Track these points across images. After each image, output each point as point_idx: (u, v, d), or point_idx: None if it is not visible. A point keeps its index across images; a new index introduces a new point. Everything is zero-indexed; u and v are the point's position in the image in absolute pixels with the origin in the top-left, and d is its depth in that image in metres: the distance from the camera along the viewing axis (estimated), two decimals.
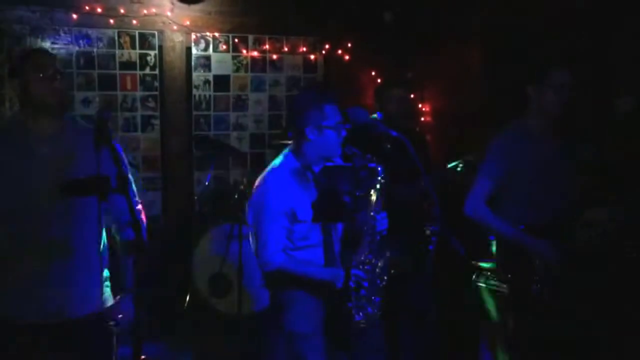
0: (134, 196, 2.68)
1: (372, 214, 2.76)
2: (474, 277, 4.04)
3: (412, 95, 5.49)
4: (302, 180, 2.82)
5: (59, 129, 2.55)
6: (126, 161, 2.67)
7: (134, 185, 2.67)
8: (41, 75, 2.49)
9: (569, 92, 3.20)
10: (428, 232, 2.67)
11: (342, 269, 2.81)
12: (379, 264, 2.85)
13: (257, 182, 2.86)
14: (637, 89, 3.94)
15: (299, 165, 2.83)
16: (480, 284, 4.00)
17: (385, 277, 2.86)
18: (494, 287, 3.89)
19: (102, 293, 2.58)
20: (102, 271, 2.61)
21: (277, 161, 2.87)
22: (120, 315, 2.58)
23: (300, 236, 2.83)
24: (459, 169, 4.04)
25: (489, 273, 3.92)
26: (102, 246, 2.63)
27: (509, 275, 3.32)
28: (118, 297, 2.66)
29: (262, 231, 2.79)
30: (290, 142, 2.88)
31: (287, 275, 2.81)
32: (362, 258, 2.83)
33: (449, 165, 4.13)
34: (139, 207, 2.72)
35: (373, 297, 2.81)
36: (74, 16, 5.11)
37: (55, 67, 2.56)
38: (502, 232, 3.24)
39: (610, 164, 3.75)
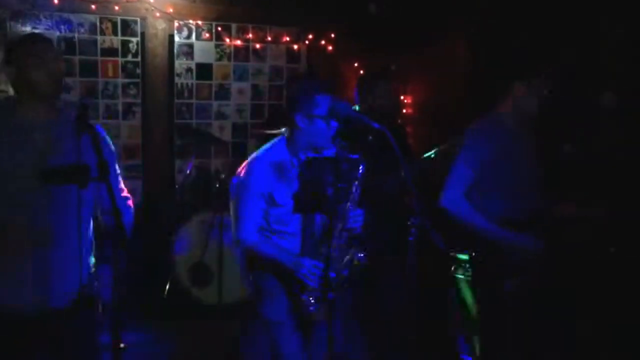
0: (119, 183, 2.69)
1: (347, 209, 2.80)
2: (452, 268, 4.07)
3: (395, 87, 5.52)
4: (285, 167, 2.87)
5: (54, 115, 2.52)
6: (112, 147, 2.67)
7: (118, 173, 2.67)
8: (39, 61, 2.46)
9: (549, 94, 3.23)
10: (408, 224, 2.67)
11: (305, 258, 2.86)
12: (344, 260, 2.89)
13: (242, 165, 2.93)
14: (620, 86, 3.98)
15: (286, 152, 2.89)
16: (458, 276, 4.03)
17: (345, 274, 2.89)
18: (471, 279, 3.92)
19: (87, 281, 2.53)
20: (87, 259, 2.57)
21: (267, 146, 2.94)
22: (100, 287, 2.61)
23: (276, 219, 2.90)
24: (432, 156, 4.05)
25: (467, 265, 3.95)
26: (88, 234, 2.61)
27: (482, 270, 3.31)
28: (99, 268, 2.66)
29: (239, 210, 2.89)
30: (271, 131, 2.91)
31: (258, 257, 2.92)
32: (328, 251, 2.84)
33: (424, 156, 4.14)
34: (125, 194, 2.73)
35: (327, 289, 2.80)
36: (55, 1, 5.04)
37: (54, 53, 2.53)
38: (481, 226, 3.16)
39: (591, 161, 3.79)
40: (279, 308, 2.97)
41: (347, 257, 2.91)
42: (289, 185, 2.86)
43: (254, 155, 2.95)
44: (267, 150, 2.93)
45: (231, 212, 2.96)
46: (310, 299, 2.87)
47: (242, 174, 2.90)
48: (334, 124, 2.79)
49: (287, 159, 2.89)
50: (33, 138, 2.46)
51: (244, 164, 2.94)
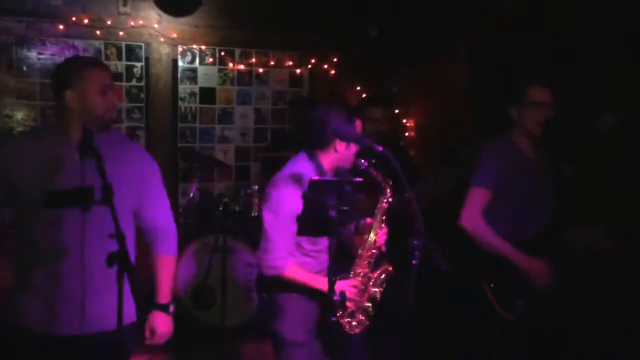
0: (163, 201, 2.73)
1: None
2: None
3: (396, 111, 5.55)
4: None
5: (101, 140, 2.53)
6: (154, 165, 2.70)
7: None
8: (102, 91, 2.46)
9: (547, 110, 3.25)
10: (412, 246, 2.68)
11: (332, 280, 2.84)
12: (374, 277, 2.96)
13: (270, 184, 2.88)
14: (620, 107, 4.00)
15: (312, 171, 2.87)
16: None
17: (380, 290, 2.97)
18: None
19: (119, 310, 2.27)
20: (119, 286, 2.29)
21: (292, 165, 2.91)
22: (152, 333, 2.63)
23: (310, 240, 2.87)
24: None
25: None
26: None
27: (495, 290, 3.31)
28: (152, 313, 2.67)
29: (271, 234, 2.80)
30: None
31: (287, 282, 2.85)
32: (359, 271, 2.93)
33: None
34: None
35: (363, 308, 2.90)
36: (61, 27, 5.10)
37: (112, 81, 2.54)
38: (498, 247, 3.21)
39: (591, 182, 3.80)
40: (306, 329, 2.90)
41: (381, 274, 2.99)
42: None
43: (281, 175, 2.89)
44: (295, 168, 2.88)
45: (263, 232, 2.86)
46: (352, 321, 2.89)
47: (274, 195, 2.83)
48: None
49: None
50: (72, 159, 2.42)
51: (273, 180, 2.88)
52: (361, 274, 2.94)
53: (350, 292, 2.86)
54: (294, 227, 2.78)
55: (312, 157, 2.90)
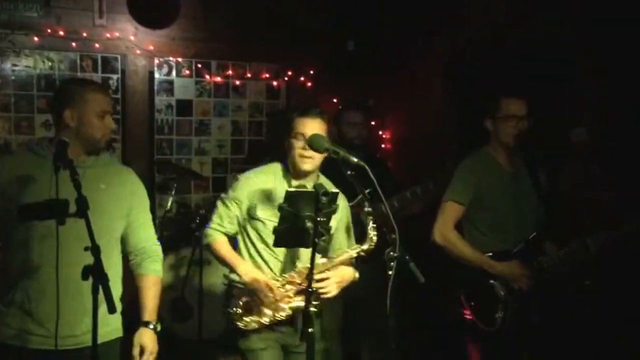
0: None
1: None
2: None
3: (372, 123, 5.58)
4: (280, 184, 2.94)
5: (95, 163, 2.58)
6: (143, 190, 2.80)
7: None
8: (102, 116, 2.50)
9: (520, 122, 3.29)
10: (388, 257, 2.68)
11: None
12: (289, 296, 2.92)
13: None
14: (594, 120, 4.07)
15: (282, 174, 2.99)
16: None
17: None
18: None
19: (94, 324, 2.21)
20: (94, 300, 2.18)
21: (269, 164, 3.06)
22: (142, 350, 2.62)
23: (257, 235, 2.95)
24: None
25: None
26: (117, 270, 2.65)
27: (472, 304, 3.33)
28: (139, 330, 2.66)
29: (217, 205, 3.03)
30: (250, 165, 3.01)
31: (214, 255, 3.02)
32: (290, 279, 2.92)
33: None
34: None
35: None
36: (36, 39, 5.07)
37: (112, 108, 2.57)
38: (471, 259, 3.24)
39: (563, 195, 3.86)
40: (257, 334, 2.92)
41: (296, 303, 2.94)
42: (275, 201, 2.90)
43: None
44: (268, 166, 3.07)
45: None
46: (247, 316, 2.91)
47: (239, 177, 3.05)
48: None
49: (283, 178, 3.00)
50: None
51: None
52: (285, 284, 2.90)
53: (262, 287, 2.84)
54: (235, 209, 2.97)
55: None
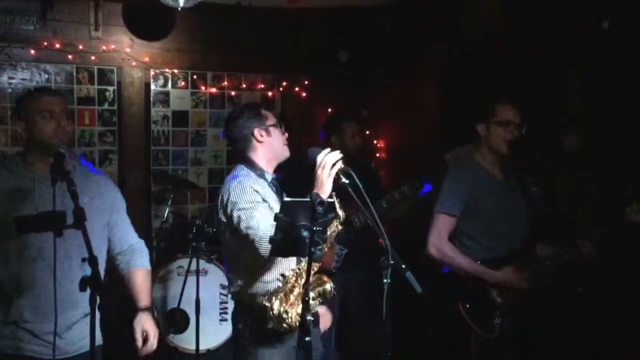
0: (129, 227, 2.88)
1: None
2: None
3: (367, 132, 5.61)
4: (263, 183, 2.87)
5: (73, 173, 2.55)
6: (119, 193, 2.85)
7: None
8: (47, 116, 2.50)
9: (515, 129, 3.31)
10: (383, 265, 2.68)
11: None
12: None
13: (224, 187, 2.83)
14: (585, 127, 4.09)
15: (249, 170, 2.88)
16: None
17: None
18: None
19: (91, 333, 2.17)
20: (92, 310, 2.14)
21: (231, 173, 2.90)
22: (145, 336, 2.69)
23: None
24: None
25: None
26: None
27: (470, 310, 3.31)
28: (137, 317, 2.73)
29: (252, 217, 2.69)
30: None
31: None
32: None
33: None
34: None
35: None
36: (32, 52, 5.10)
37: (63, 107, 2.57)
38: (470, 270, 3.23)
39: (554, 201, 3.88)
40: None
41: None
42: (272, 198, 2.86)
43: (230, 176, 2.91)
44: (238, 172, 2.90)
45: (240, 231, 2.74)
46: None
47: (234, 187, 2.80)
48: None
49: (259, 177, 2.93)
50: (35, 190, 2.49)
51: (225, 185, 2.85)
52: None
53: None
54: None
55: (245, 161, 2.91)
